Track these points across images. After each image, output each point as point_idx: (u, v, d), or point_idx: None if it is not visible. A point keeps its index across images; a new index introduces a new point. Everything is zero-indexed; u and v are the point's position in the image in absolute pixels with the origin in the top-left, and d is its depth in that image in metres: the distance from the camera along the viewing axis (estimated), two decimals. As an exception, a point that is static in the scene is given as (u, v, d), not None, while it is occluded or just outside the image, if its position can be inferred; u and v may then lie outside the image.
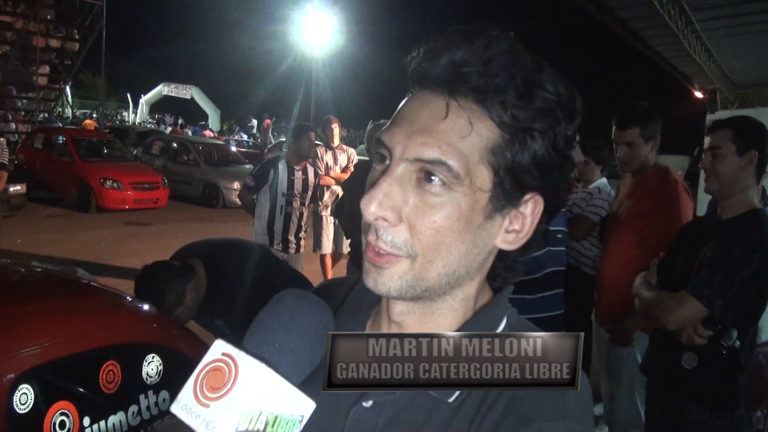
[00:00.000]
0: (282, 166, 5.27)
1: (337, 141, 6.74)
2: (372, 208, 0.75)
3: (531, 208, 0.80)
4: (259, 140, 26.57)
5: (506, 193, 0.77)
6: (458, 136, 0.75)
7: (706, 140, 2.51)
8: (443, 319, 0.85)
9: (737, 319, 2.23)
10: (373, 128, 4.90)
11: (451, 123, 0.75)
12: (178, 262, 2.96)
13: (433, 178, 0.75)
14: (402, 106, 0.81)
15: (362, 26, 47.39)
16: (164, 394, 2.12)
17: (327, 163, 6.63)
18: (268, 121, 28.49)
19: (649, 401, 2.65)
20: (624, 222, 3.10)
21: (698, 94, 14.72)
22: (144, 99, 39.68)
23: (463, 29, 0.78)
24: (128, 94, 40.26)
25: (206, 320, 3.02)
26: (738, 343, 2.23)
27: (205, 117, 39.63)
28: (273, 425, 0.70)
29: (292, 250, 5.36)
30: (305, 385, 0.76)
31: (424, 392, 0.79)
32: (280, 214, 5.25)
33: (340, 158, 6.69)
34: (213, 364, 0.69)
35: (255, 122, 37.93)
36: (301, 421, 0.73)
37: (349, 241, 4.95)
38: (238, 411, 0.66)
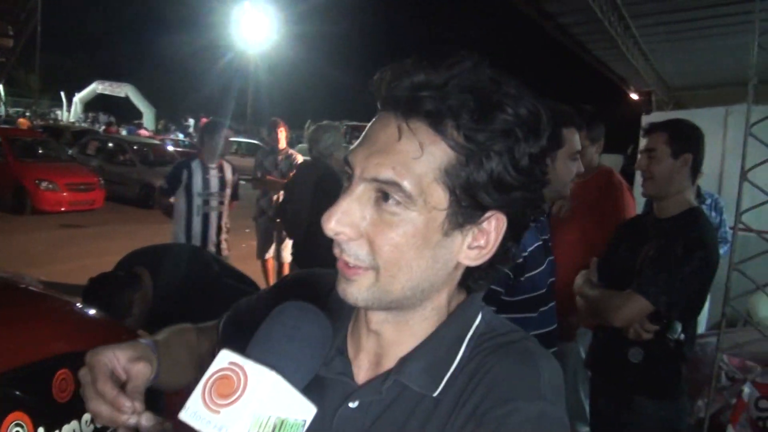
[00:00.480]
0: (196, 165, 5.11)
1: (283, 144, 6.62)
2: (330, 224, 0.79)
3: (494, 225, 0.82)
4: (195, 140, 26.27)
5: (464, 210, 0.80)
6: (411, 157, 0.77)
7: (642, 142, 2.59)
8: (418, 327, 0.88)
9: (681, 314, 2.32)
10: (314, 129, 4.87)
11: (404, 145, 0.77)
12: (123, 272, 2.90)
13: (389, 197, 0.78)
14: (369, 125, 0.84)
15: (300, 26, 47.10)
16: (118, 400, 2.08)
17: (266, 168, 6.53)
18: (204, 120, 28.19)
19: (594, 395, 2.72)
20: (569, 222, 3.17)
21: (634, 96, 15.17)
22: (77, 97, 38.78)
23: (431, 51, 0.80)
24: (62, 93, 39.18)
25: (156, 329, 2.97)
26: (683, 335, 2.31)
27: (140, 116, 38.87)
28: (280, 429, 0.73)
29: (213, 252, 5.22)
30: (306, 392, 0.79)
31: (409, 389, 0.84)
32: (198, 215, 5.09)
33: (282, 164, 6.54)
34: (220, 373, 0.72)
35: (192, 121, 37.40)
36: (304, 425, 0.76)
37: (291, 242, 4.90)
38: (249, 416, 0.69)
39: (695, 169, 2.48)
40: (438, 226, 0.79)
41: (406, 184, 0.77)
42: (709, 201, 5.07)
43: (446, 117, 0.76)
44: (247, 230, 12.67)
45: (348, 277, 0.82)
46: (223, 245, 5.34)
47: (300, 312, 0.81)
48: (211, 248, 5.17)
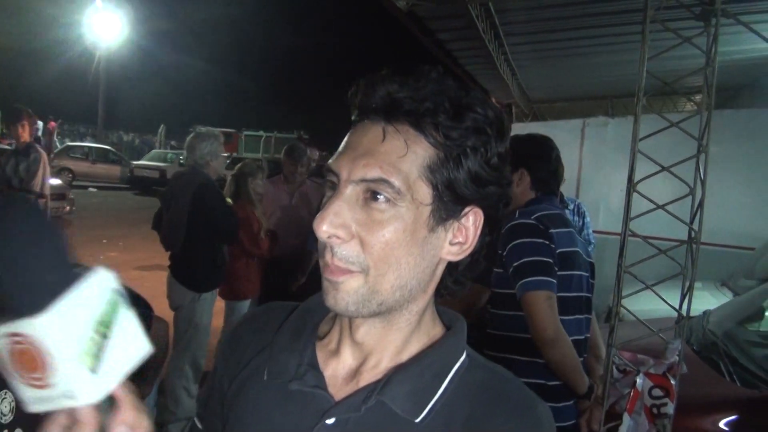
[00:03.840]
0: None
1: (27, 138, 6.08)
2: (324, 227, 0.82)
3: (472, 220, 0.89)
4: (43, 143, 24.73)
5: (446, 206, 0.86)
6: (396, 156, 0.83)
7: None
8: (400, 333, 0.92)
9: None
10: (192, 137, 4.74)
11: (389, 145, 0.83)
12: None
13: (378, 196, 0.83)
14: (347, 136, 0.89)
15: (153, 26, 45.44)
16: None
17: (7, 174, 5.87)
18: (53, 123, 26.57)
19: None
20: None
21: (496, 107, 15.99)
22: None
23: (397, 67, 0.87)
24: None
25: None
26: None
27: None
28: (106, 326, 0.70)
29: None
30: (250, 382, 0.86)
31: (390, 410, 0.86)
32: None
33: (21, 165, 5.99)
34: (14, 347, 0.67)
35: (40, 124, 35.17)
36: (118, 292, 0.73)
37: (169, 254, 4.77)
38: (74, 360, 0.66)
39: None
40: (424, 222, 0.84)
41: (395, 180, 0.82)
42: (571, 206, 5.51)
43: (425, 116, 0.83)
44: (104, 241, 12.20)
45: (336, 279, 0.84)
46: None
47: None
48: None
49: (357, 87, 0.88)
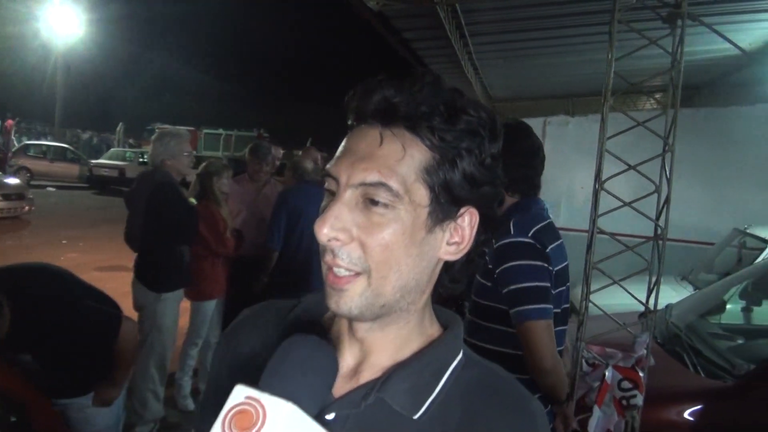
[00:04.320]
0: None
1: None
2: (324, 230, 0.84)
3: (468, 220, 0.91)
4: (1, 142, 24.15)
5: (443, 207, 0.87)
6: (394, 159, 0.84)
7: None
8: (400, 331, 0.93)
9: None
10: (155, 137, 4.72)
11: (386, 149, 0.85)
12: None
13: (377, 199, 0.84)
14: (344, 141, 0.90)
15: (111, 22, 44.72)
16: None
17: None
18: (10, 121, 25.94)
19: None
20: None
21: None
22: None
23: (392, 73, 0.88)
24: None
25: (10, 355, 2.71)
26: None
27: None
28: None
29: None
30: (250, 377, 0.81)
31: (389, 407, 0.87)
32: None
33: None
34: (238, 408, 0.74)
35: (-2, 122, 34.44)
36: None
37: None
38: None
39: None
40: (422, 223, 0.86)
41: (393, 184, 0.83)
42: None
43: (421, 120, 0.84)
44: (64, 242, 12.00)
45: (340, 287, 0.86)
46: None
47: (310, 344, 0.83)
48: None
49: (353, 92, 0.89)
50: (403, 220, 0.85)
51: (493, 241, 2.27)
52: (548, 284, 2.37)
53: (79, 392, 2.91)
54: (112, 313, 2.98)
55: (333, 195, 0.87)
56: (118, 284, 5.50)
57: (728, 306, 5.14)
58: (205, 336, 5.24)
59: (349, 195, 0.85)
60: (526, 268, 2.34)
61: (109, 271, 9.22)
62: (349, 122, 0.91)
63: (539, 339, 2.31)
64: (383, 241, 0.84)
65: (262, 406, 0.73)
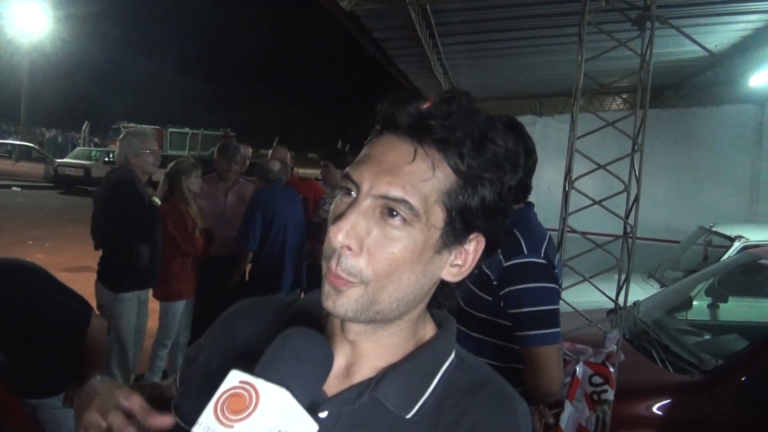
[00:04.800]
0: None
1: None
2: (339, 237, 0.83)
3: (474, 247, 0.92)
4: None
5: (455, 231, 0.88)
6: (420, 178, 0.84)
7: None
8: (393, 337, 0.94)
9: None
10: (123, 135, 4.69)
11: (416, 167, 0.85)
12: None
13: (395, 213, 0.84)
14: (369, 147, 0.90)
15: (77, 20, 44.05)
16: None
17: None
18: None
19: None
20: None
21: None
22: None
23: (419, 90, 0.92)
24: None
25: None
26: None
27: None
28: None
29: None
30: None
31: (382, 406, 0.89)
32: None
33: None
34: (232, 391, 0.75)
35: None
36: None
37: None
38: (261, 430, 0.73)
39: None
40: (433, 244, 0.87)
41: (415, 203, 0.83)
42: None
43: (452, 144, 0.85)
44: (30, 242, 11.80)
45: (339, 287, 0.86)
46: None
47: (306, 337, 0.84)
48: None
49: (388, 100, 0.90)
50: (416, 238, 0.85)
51: (501, 257, 2.20)
52: (558, 306, 2.32)
53: (49, 392, 2.88)
54: (83, 309, 2.96)
55: (349, 196, 0.88)
56: (84, 285, 5.41)
57: (695, 302, 5.23)
58: (174, 337, 5.19)
59: (368, 204, 0.85)
60: (540, 291, 2.26)
61: (76, 271, 9.08)
62: (377, 128, 0.91)
63: (551, 364, 2.26)
64: (392, 255, 0.85)
65: (256, 391, 0.74)
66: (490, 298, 2.32)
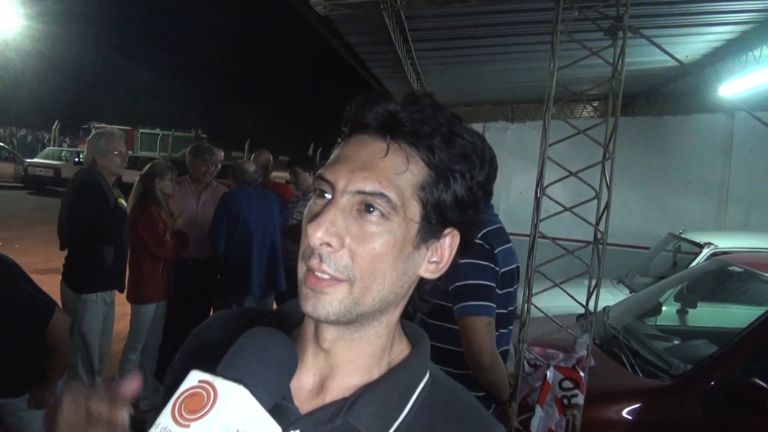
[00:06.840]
0: None
1: None
2: (319, 233, 0.82)
3: (449, 242, 0.92)
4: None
5: (431, 226, 0.88)
6: (395, 172, 0.85)
7: None
8: (369, 346, 0.92)
9: None
10: (92, 135, 4.68)
11: (389, 161, 0.85)
12: None
13: (372, 209, 0.84)
14: (340, 148, 0.90)
15: (48, 17, 43.40)
16: None
17: None
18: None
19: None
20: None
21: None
22: None
23: (387, 90, 0.94)
24: None
25: None
26: None
27: None
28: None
29: None
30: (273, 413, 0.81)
31: (357, 430, 0.87)
32: None
33: None
34: (190, 391, 0.74)
35: None
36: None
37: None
38: (217, 428, 0.71)
39: None
40: (412, 239, 0.87)
41: (392, 195, 0.84)
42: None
43: (423, 137, 0.86)
44: (16, 246, 11.62)
45: (321, 289, 0.84)
46: None
47: (269, 335, 0.82)
48: None
49: (354, 102, 0.90)
50: (395, 233, 0.85)
51: None
52: (493, 284, 2.43)
53: (12, 392, 2.85)
54: (46, 301, 2.95)
55: (323, 198, 0.87)
56: (53, 287, 5.37)
57: (664, 308, 5.31)
58: (145, 340, 5.13)
59: (345, 201, 0.85)
60: (472, 267, 2.42)
61: (44, 273, 8.91)
62: (345, 130, 0.92)
63: (478, 335, 2.37)
64: (374, 251, 0.84)
65: (214, 389, 0.73)
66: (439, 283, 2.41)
